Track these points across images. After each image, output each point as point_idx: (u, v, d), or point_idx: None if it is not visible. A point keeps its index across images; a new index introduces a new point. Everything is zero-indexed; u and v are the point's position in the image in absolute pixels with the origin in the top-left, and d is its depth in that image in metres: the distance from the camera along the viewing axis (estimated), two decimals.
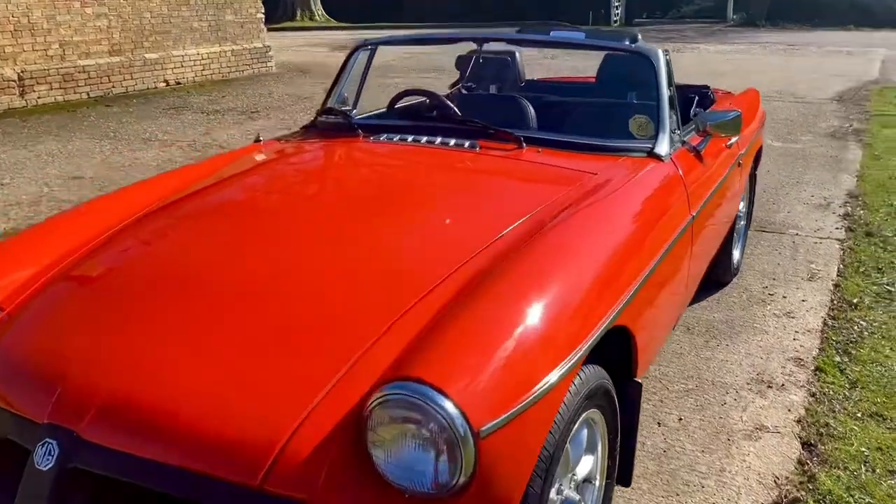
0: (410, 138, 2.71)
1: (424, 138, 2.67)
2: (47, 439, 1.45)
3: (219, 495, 1.37)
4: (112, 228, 2.23)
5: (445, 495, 1.33)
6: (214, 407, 1.47)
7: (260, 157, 2.83)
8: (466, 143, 2.62)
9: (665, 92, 2.75)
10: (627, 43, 3.03)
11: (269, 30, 13.18)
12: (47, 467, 1.43)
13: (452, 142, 2.63)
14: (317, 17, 24.45)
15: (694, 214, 2.57)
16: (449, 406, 1.32)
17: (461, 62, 3.89)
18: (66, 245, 2.13)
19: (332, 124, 3.04)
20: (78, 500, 1.46)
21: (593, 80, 3.91)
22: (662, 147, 2.62)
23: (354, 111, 3.23)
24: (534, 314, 1.60)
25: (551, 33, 3.20)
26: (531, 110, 2.99)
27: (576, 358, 1.59)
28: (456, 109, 2.82)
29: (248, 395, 1.48)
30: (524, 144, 2.61)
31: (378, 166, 2.78)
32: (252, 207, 2.44)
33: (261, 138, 3.07)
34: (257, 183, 2.65)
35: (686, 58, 14.37)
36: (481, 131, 2.67)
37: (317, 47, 16.64)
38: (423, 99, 3.01)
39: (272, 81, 11.54)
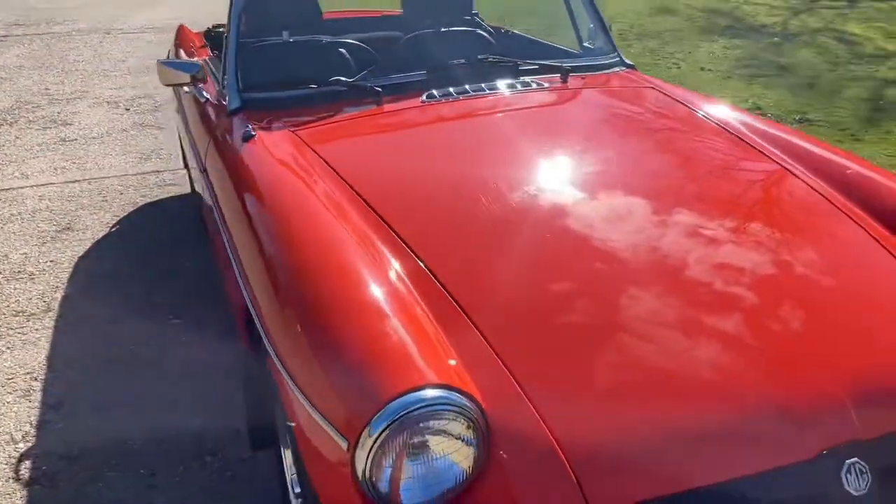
0: (469, 91, 2.39)
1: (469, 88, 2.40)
2: (847, 461, 1.35)
3: None
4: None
5: None
6: None
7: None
8: (533, 83, 2.47)
9: (597, 6, 2.93)
10: None
11: None
12: (866, 486, 1.36)
13: (516, 85, 2.46)
14: None
15: None
16: None
17: None
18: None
19: (322, 94, 2.43)
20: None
21: (391, 12, 3.83)
22: (624, 56, 2.84)
23: None
24: None
25: None
26: (491, 44, 2.85)
27: None
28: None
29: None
30: (570, 75, 2.58)
31: (518, 129, 2.31)
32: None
33: (252, 133, 2.22)
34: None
35: None
36: (509, 69, 2.54)
37: None
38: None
39: None
